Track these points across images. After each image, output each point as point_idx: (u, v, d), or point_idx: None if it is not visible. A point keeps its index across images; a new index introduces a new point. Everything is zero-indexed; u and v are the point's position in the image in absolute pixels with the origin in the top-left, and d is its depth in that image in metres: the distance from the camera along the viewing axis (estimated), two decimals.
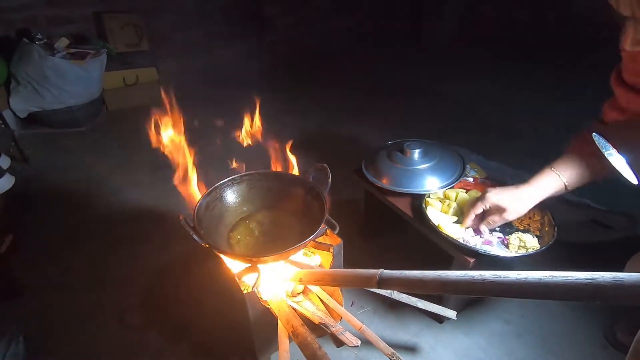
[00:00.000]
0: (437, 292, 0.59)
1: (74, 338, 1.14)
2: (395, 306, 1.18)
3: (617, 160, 0.71)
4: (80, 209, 1.67)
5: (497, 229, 1.03)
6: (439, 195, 1.15)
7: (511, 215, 0.94)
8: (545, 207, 1.07)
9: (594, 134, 0.72)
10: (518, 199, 0.92)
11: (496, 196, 0.95)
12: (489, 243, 1.00)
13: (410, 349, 1.08)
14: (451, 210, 1.09)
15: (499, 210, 0.95)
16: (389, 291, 0.98)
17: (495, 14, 3.41)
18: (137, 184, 1.81)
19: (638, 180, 0.69)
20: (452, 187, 1.14)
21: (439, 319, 1.13)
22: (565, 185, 0.90)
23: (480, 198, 0.98)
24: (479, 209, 0.97)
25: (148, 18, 2.70)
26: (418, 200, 1.12)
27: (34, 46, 2.08)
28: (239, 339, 1.06)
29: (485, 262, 0.95)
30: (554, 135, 1.55)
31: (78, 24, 2.55)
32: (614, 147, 0.70)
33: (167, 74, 2.78)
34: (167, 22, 2.84)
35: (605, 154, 0.71)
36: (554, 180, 0.90)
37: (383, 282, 0.64)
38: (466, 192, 1.14)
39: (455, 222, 1.06)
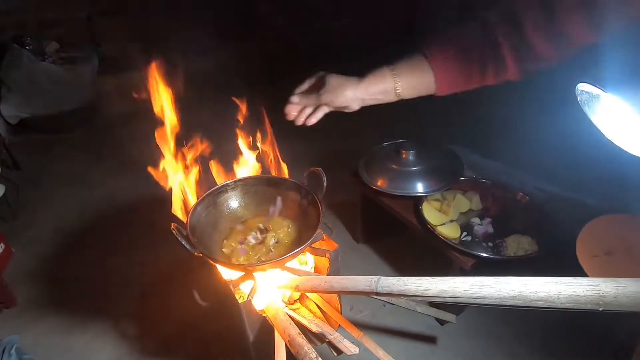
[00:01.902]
0: (437, 301, 0.58)
1: (68, 348, 1.12)
2: (394, 308, 1.16)
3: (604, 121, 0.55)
4: (73, 216, 1.64)
5: (488, 220, 1.07)
6: (437, 197, 1.13)
7: (326, 95, 0.85)
8: (543, 206, 1.06)
9: (580, 83, 0.56)
10: (342, 85, 0.84)
11: (328, 74, 0.85)
12: (485, 232, 1.03)
13: (410, 352, 1.06)
14: (450, 211, 1.07)
15: (322, 85, 0.85)
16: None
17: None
18: (131, 190, 1.78)
19: None
20: (450, 189, 1.13)
21: (440, 321, 1.12)
22: (397, 92, 0.78)
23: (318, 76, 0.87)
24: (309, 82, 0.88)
25: (140, 21, 2.66)
26: (415, 203, 1.11)
27: (23, 51, 2.05)
28: (235, 348, 1.05)
29: (484, 264, 0.94)
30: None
31: (69, 28, 2.51)
32: None
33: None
34: (160, 24, 2.81)
35: (591, 117, 0.57)
36: (386, 82, 0.78)
37: (381, 291, 0.63)
38: (465, 193, 1.13)
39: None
